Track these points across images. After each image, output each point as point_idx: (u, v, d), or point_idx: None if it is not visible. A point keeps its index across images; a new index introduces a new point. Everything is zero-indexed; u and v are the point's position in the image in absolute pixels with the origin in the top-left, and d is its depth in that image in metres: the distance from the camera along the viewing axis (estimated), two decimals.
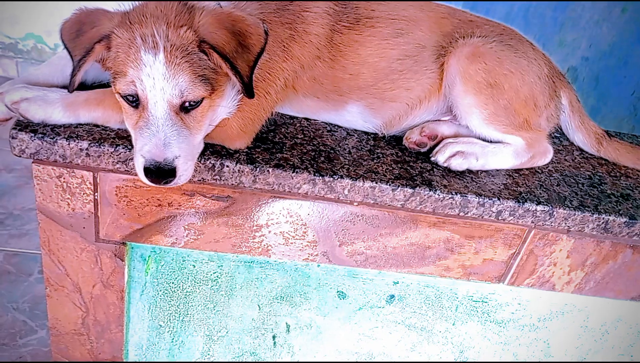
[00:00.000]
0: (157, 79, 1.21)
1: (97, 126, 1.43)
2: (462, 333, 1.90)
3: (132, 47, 1.22)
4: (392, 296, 1.79)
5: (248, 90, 1.30)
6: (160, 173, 1.23)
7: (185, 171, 1.27)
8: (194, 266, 1.66)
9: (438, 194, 1.52)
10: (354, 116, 1.64)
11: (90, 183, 1.44)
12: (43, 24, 4.01)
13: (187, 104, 1.26)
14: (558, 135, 1.92)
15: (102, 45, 1.27)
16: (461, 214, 1.57)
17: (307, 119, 1.68)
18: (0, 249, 2.90)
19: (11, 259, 2.86)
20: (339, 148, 1.59)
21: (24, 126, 1.36)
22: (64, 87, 1.41)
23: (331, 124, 1.69)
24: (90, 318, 1.72)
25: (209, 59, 1.27)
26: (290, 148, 1.54)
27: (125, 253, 1.59)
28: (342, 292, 1.76)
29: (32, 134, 1.35)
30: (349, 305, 1.79)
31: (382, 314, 1.83)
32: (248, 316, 1.79)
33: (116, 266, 1.61)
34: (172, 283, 1.69)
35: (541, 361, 2.01)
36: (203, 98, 1.28)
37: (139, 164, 1.24)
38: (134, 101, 1.26)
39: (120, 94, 1.27)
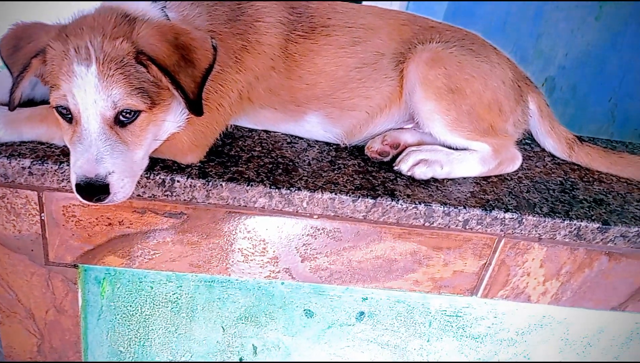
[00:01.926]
0: (89, 91, 1.16)
1: (41, 143, 1.37)
2: (438, 349, 1.82)
3: (65, 59, 1.17)
4: (362, 313, 1.72)
5: (194, 107, 1.24)
6: (92, 189, 1.17)
7: (121, 188, 1.20)
8: (152, 288, 1.59)
9: (401, 205, 1.47)
10: (314, 126, 1.59)
11: (35, 202, 1.38)
12: None
13: (122, 117, 1.20)
14: (529, 141, 1.86)
15: (38, 59, 1.22)
16: (427, 224, 1.51)
17: (266, 131, 1.63)
18: None
19: None
20: (298, 160, 1.53)
21: None
22: (7, 104, 1.36)
23: (292, 135, 1.63)
24: (46, 345, 1.65)
25: (148, 72, 1.22)
26: (247, 161, 1.48)
27: (77, 276, 1.53)
28: (310, 310, 1.69)
29: None
30: (317, 323, 1.72)
31: (352, 332, 1.75)
32: (212, 339, 1.71)
33: (69, 289, 1.54)
34: (130, 306, 1.62)
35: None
36: (140, 112, 1.22)
37: (72, 181, 1.19)
38: (68, 115, 1.21)
39: (54, 108, 1.21)
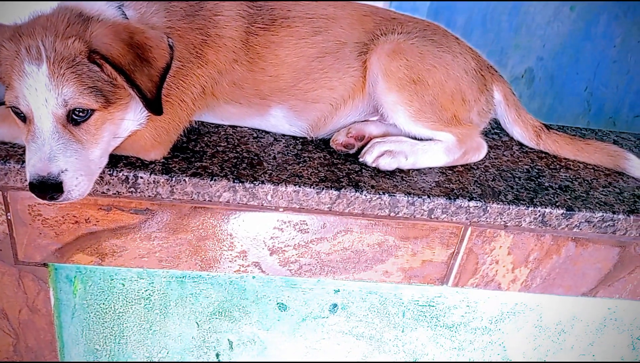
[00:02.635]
0: (40, 90, 1.17)
1: (4, 143, 1.39)
2: (413, 339, 1.83)
3: (17, 59, 1.19)
4: (335, 305, 1.73)
5: (152, 106, 1.25)
6: (45, 187, 1.18)
7: (75, 186, 1.21)
8: (124, 285, 1.61)
9: (365, 195, 1.48)
10: (279, 120, 1.60)
11: (0, 202, 1.40)
12: None
13: (75, 116, 1.22)
14: (497, 131, 1.88)
15: None
16: (392, 214, 1.52)
17: (233, 126, 1.64)
18: None
19: None
20: (263, 154, 1.55)
21: None
22: None
23: (258, 130, 1.65)
24: (22, 344, 1.66)
25: (102, 71, 1.23)
26: (211, 156, 1.49)
27: (48, 275, 1.54)
28: (283, 304, 1.71)
29: None
30: (291, 317, 1.74)
31: (327, 324, 1.77)
32: (187, 335, 1.73)
33: (40, 289, 1.56)
34: (103, 303, 1.63)
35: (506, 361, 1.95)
36: (94, 110, 1.23)
37: (27, 179, 1.20)
38: (22, 115, 1.23)
39: (9, 107, 1.23)
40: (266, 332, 1.75)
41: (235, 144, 1.57)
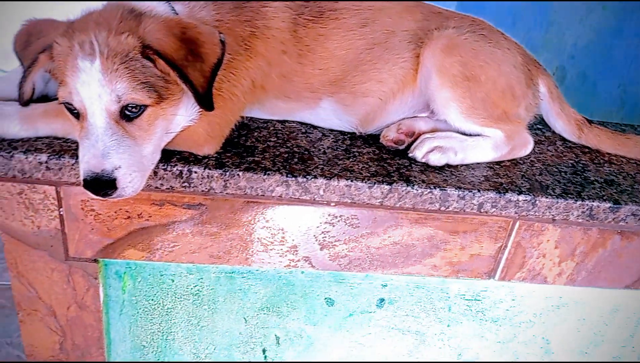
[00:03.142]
0: (93, 86, 1.17)
1: (57, 138, 1.39)
2: (459, 334, 1.83)
3: (70, 55, 1.19)
4: (382, 299, 1.73)
5: (203, 101, 1.26)
6: (99, 184, 1.18)
7: (129, 182, 1.21)
8: (173, 281, 1.61)
9: (416, 190, 1.48)
10: (328, 114, 1.60)
11: (53, 198, 1.40)
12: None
13: (127, 112, 1.22)
14: (540, 126, 1.88)
15: (45, 55, 1.24)
16: (442, 208, 1.52)
17: (281, 122, 1.65)
18: None
19: (5, 292, 2.80)
20: (313, 149, 1.55)
21: None
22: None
23: (307, 125, 1.65)
24: (68, 342, 1.66)
25: (155, 66, 1.24)
26: (263, 151, 1.50)
27: (98, 271, 1.54)
28: (330, 299, 1.71)
29: None
30: (338, 311, 1.74)
31: (373, 319, 1.77)
32: (235, 330, 1.73)
33: (90, 285, 1.56)
34: (152, 299, 1.64)
35: (542, 361, 1.94)
36: (146, 106, 1.23)
37: (80, 176, 1.20)
38: (75, 111, 1.23)
39: (62, 103, 1.24)
40: (313, 327, 1.75)
41: (285, 139, 1.57)
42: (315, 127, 1.65)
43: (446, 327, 1.82)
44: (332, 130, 1.65)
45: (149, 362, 1.76)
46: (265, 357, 1.80)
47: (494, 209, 1.53)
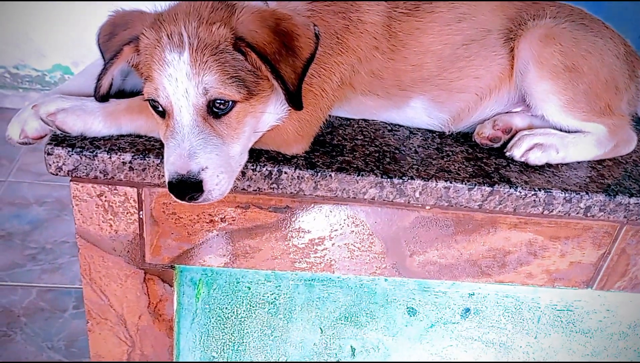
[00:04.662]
0: (181, 80, 1.08)
1: (139, 136, 1.29)
2: (545, 347, 1.71)
3: (158, 47, 1.10)
4: (468, 309, 1.61)
5: (293, 99, 1.15)
6: (184, 187, 1.09)
7: (216, 184, 1.11)
8: (249, 288, 1.50)
9: (519, 192, 1.36)
10: (418, 112, 1.49)
11: (134, 200, 1.30)
12: (70, 54, 3.96)
13: (215, 108, 1.12)
14: (634, 123, 1.75)
15: (130, 47, 1.16)
16: (545, 212, 1.40)
17: (364, 120, 1.53)
18: (33, 285, 2.76)
19: (45, 295, 2.72)
20: (403, 148, 1.44)
21: (61, 140, 1.23)
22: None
23: (391, 123, 1.54)
24: (137, 352, 1.56)
25: (246, 60, 1.13)
26: (351, 150, 1.38)
27: (174, 278, 1.44)
28: (413, 308, 1.59)
29: (70, 149, 1.21)
30: (420, 322, 1.62)
31: (456, 330, 1.65)
32: (309, 341, 1.62)
33: (165, 292, 1.46)
34: (226, 308, 1.53)
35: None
36: (235, 102, 1.13)
37: (165, 178, 1.11)
38: (161, 109, 1.14)
39: (147, 100, 1.14)
40: (392, 338, 1.64)
41: (372, 137, 1.46)
42: (400, 125, 1.54)
43: (533, 339, 1.70)
44: (418, 128, 1.54)
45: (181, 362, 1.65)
46: None
47: (601, 213, 1.41)
